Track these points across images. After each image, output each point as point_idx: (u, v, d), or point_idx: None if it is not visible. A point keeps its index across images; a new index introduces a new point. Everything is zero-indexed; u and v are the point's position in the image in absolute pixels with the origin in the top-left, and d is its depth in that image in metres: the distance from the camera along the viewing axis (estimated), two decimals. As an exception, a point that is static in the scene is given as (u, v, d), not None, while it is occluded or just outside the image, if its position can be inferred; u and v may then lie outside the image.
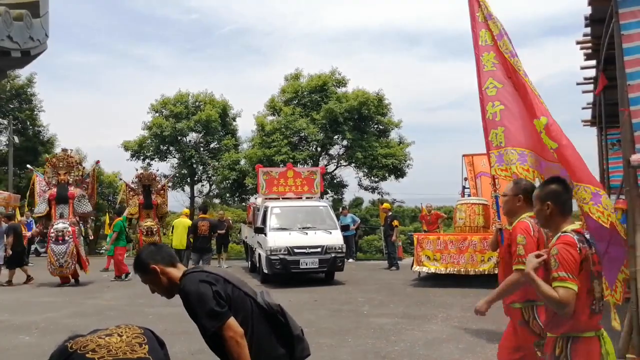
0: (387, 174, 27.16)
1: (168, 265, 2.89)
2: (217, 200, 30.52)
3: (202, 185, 32.29)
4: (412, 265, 13.14)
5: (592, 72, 10.38)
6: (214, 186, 31.39)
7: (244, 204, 27.65)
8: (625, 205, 5.57)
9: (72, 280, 13.54)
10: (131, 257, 19.54)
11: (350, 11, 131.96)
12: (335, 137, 27.40)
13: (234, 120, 31.23)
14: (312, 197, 14.69)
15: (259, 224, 13.72)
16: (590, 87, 11.56)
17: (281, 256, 12.45)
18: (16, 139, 27.46)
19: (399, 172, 27.19)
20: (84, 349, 1.34)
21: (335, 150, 28.62)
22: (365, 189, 29.27)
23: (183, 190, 31.36)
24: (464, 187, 15.72)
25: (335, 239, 13.05)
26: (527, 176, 4.57)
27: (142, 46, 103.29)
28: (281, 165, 20.51)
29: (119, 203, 19.16)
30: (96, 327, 1.51)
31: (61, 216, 13.55)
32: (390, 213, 17.06)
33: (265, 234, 12.93)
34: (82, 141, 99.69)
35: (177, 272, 2.89)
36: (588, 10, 7.13)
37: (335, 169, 28.93)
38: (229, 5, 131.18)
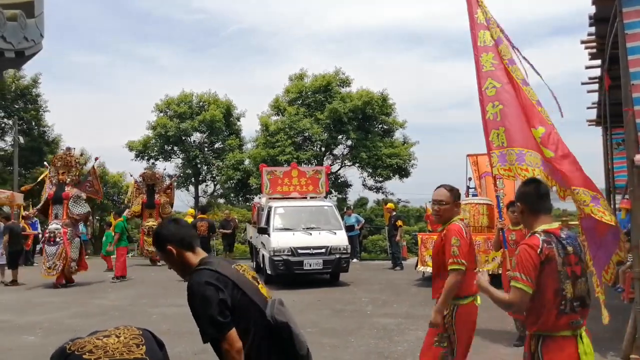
0: (391, 174, 27.17)
1: (186, 248, 2.77)
2: (221, 200, 30.58)
3: (207, 185, 32.42)
4: (416, 265, 13.10)
5: (597, 72, 10.35)
6: (218, 186, 31.49)
7: (248, 203, 27.68)
8: (630, 204, 5.56)
9: (64, 281, 12.98)
10: (134, 257, 19.61)
11: (355, 11, 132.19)
12: (340, 137, 27.40)
13: (238, 120, 31.33)
14: (316, 197, 14.52)
15: (262, 224, 13.54)
16: (595, 86, 11.52)
17: (284, 257, 12.31)
18: (21, 139, 27.57)
19: (403, 172, 27.19)
20: (82, 350, 1.36)
21: (339, 150, 28.67)
22: (370, 188, 29.32)
23: (187, 190, 31.50)
24: (468, 187, 15.68)
25: (340, 239, 12.81)
26: (526, 175, 4.58)
27: (147, 46, 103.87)
28: (285, 165, 20.43)
29: (126, 201, 19.05)
30: (100, 327, 1.52)
31: (56, 217, 13.29)
32: (394, 213, 17.03)
33: (269, 234, 12.74)
34: (86, 141, 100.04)
35: (194, 257, 2.77)
36: (592, 10, 7.12)
37: (339, 169, 28.93)
38: (234, 6, 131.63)
